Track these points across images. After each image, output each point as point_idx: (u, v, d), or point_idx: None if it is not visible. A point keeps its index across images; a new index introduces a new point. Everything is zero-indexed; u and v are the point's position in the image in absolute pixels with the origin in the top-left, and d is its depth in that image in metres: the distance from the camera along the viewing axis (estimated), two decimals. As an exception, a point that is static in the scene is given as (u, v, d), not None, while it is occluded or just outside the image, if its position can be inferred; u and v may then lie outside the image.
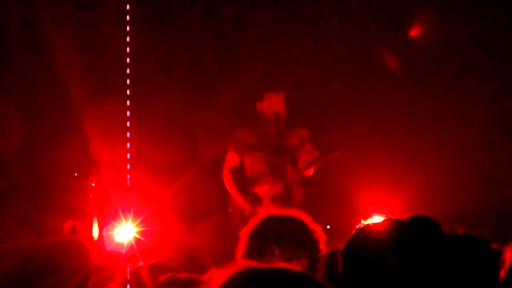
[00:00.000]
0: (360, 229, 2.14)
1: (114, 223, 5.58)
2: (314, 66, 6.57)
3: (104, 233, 5.60)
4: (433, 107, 6.65)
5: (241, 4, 6.93)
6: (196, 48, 6.83)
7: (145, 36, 6.49)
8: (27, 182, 6.16)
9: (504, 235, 2.33)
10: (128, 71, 6.06)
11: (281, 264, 1.61)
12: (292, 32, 6.75)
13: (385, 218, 2.16)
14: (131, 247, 5.33)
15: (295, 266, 1.61)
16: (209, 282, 1.64)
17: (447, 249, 2.14)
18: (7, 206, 5.99)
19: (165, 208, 6.12)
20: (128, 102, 6.03)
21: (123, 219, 5.54)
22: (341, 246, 2.16)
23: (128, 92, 6.03)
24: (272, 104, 6.13)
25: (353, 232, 2.15)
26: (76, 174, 6.27)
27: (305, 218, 2.83)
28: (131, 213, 5.58)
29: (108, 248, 5.53)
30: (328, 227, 4.74)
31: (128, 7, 5.97)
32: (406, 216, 2.24)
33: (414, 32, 6.80)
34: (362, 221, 2.17)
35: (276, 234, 2.70)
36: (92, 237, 5.55)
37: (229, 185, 6.25)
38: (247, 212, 6.00)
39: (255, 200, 6.11)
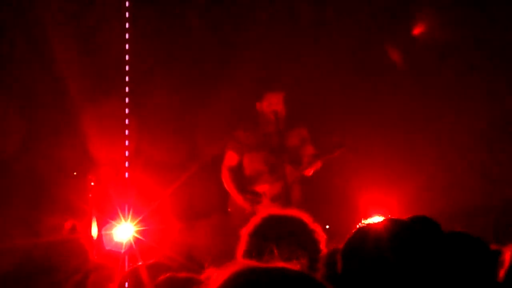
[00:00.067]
0: (360, 229, 2.14)
1: (113, 222, 5.58)
2: (314, 66, 6.56)
3: (103, 233, 5.59)
4: (433, 107, 6.64)
5: (241, 4, 6.92)
6: (196, 47, 6.82)
7: (144, 35, 6.48)
8: (26, 181, 6.15)
9: (504, 235, 2.33)
10: (127, 69, 6.07)
11: (281, 264, 1.60)
12: (292, 32, 6.74)
13: (385, 218, 2.15)
14: (130, 247, 5.33)
15: (295, 266, 1.60)
16: (209, 281, 1.63)
17: (446, 248, 2.13)
18: (6, 205, 5.98)
19: (164, 207, 6.11)
20: (127, 100, 6.04)
21: (122, 218, 5.54)
22: (341, 246, 2.15)
23: (127, 90, 6.03)
24: (272, 104, 6.13)
25: (353, 232, 2.14)
26: (75, 173, 6.26)
27: (306, 218, 2.83)
28: (130, 212, 5.58)
29: (107, 248, 5.53)
30: (328, 227, 4.73)
31: (127, 4, 5.97)
32: (406, 217, 2.24)
33: (413, 32, 6.80)
34: (362, 221, 2.16)
35: (276, 234, 2.70)
36: (91, 237, 5.55)
37: (229, 184, 6.26)
38: (246, 211, 5.99)
39: (255, 199, 6.11)
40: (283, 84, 6.29)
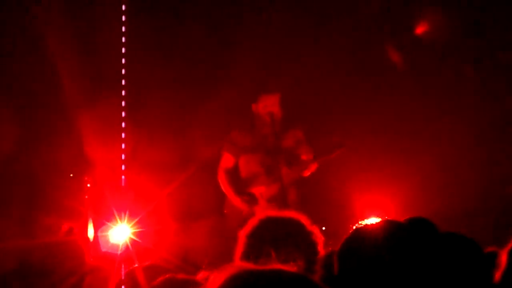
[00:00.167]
0: (357, 230, 2.14)
1: (109, 224, 5.57)
2: (311, 67, 6.56)
3: (99, 234, 5.58)
4: (432, 107, 6.65)
5: (238, 4, 6.92)
6: (192, 49, 6.82)
7: (141, 36, 6.48)
8: (22, 183, 6.14)
9: (504, 235, 2.33)
10: (123, 71, 6.06)
11: (279, 266, 1.60)
12: (289, 32, 6.74)
13: (382, 219, 2.16)
14: (126, 249, 5.32)
15: (292, 268, 1.60)
16: (206, 284, 1.63)
17: (441, 249, 2.13)
18: (2, 207, 5.97)
19: (160, 209, 6.11)
20: (123, 103, 6.03)
21: (118, 220, 5.53)
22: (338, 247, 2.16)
23: (123, 92, 6.03)
24: (268, 105, 6.13)
25: (349, 232, 2.15)
26: (71, 175, 6.25)
27: (304, 220, 2.83)
28: (127, 214, 5.57)
29: (103, 250, 5.52)
30: (324, 228, 4.72)
31: (123, 7, 5.97)
32: (403, 218, 2.24)
33: (412, 32, 6.81)
34: (359, 222, 2.17)
35: (274, 235, 2.70)
36: (87, 238, 5.54)
37: (225, 186, 6.25)
38: (243, 213, 5.99)
39: (251, 200, 6.11)
40: (279, 86, 6.29)
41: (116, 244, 5.46)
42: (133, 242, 5.42)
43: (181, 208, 6.52)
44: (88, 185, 5.88)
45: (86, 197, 5.82)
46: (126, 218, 5.53)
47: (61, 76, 6.07)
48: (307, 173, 6.17)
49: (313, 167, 6.15)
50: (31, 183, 6.11)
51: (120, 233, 5.50)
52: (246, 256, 2.64)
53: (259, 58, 6.56)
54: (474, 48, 6.56)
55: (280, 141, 6.11)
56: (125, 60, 6.08)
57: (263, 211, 3.20)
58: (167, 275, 2.57)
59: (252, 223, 2.80)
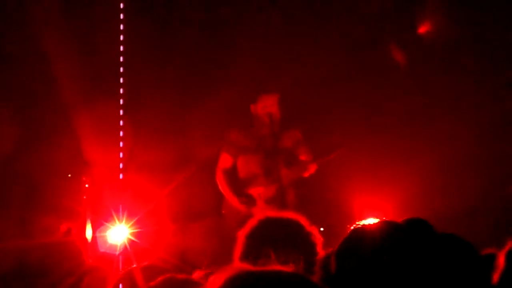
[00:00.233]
0: (354, 230, 2.15)
1: (108, 224, 5.57)
2: (310, 67, 6.56)
3: (98, 235, 5.58)
4: (431, 107, 6.65)
5: (236, 4, 6.92)
6: (191, 49, 6.81)
7: (139, 36, 6.47)
8: (20, 183, 6.13)
9: (504, 235, 2.33)
10: (121, 71, 6.06)
11: (278, 267, 1.61)
12: (287, 32, 6.74)
13: (380, 220, 2.16)
14: (124, 249, 5.32)
15: (291, 268, 1.60)
16: (206, 284, 1.64)
17: (438, 250, 2.14)
18: (0, 207, 5.96)
19: (158, 209, 6.11)
20: (121, 102, 6.03)
21: (116, 220, 5.53)
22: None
23: (121, 91, 6.03)
24: (267, 106, 6.13)
25: (347, 233, 2.15)
26: (69, 175, 6.25)
27: (303, 220, 2.83)
28: (125, 214, 5.57)
29: (101, 250, 5.52)
30: (322, 229, 4.73)
31: (121, 6, 5.96)
32: (401, 219, 2.25)
33: (411, 32, 6.81)
34: (357, 223, 2.17)
35: (273, 236, 2.70)
36: (86, 239, 5.54)
37: (223, 186, 6.24)
38: (241, 214, 5.99)
39: (250, 201, 6.11)
40: (278, 86, 6.29)
41: (114, 245, 5.46)
42: (131, 242, 5.41)
43: (179, 209, 6.52)
44: (86, 185, 5.88)
45: (84, 197, 5.82)
46: (124, 218, 5.54)
47: (59, 75, 6.07)
48: (306, 174, 6.17)
49: (313, 169, 6.15)
50: (29, 183, 6.10)
51: (118, 233, 5.50)
52: (245, 256, 2.64)
53: (258, 58, 6.56)
54: (474, 48, 6.56)
55: (279, 142, 6.11)
56: (123, 59, 6.08)
57: (261, 212, 3.20)
58: (167, 275, 2.57)
59: (251, 223, 2.81)
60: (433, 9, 6.72)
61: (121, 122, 5.96)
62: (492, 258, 2.32)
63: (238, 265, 2.02)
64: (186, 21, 6.81)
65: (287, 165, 6.15)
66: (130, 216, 5.58)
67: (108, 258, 5.36)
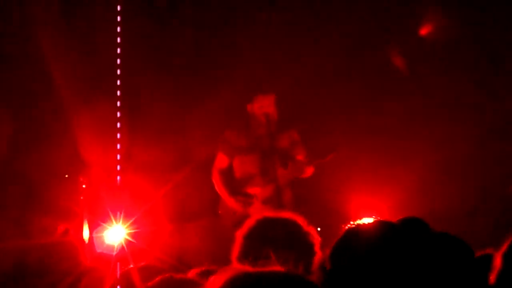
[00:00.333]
0: (349, 230, 2.16)
1: (105, 225, 5.56)
2: (308, 67, 6.56)
3: (95, 235, 5.57)
4: (431, 108, 6.65)
5: (235, 5, 6.91)
6: (188, 49, 6.81)
7: (136, 37, 6.47)
8: (17, 183, 6.13)
9: (503, 236, 2.34)
10: (118, 71, 6.05)
11: (276, 268, 1.61)
12: (285, 33, 6.74)
13: (374, 219, 2.17)
14: (121, 249, 5.31)
15: (290, 269, 1.61)
16: (206, 285, 1.64)
17: (433, 250, 2.15)
18: (-3, 207, 5.96)
19: (155, 210, 6.11)
20: (118, 103, 6.02)
21: (113, 220, 5.52)
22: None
23: (118, 92, 6.02)
24: (264, 106, 6.13)
25: (342, 232, 2.16)
26: (66, 175, 6.24)
27: (300, 220, 2.84)
28: (122, 214, 5.56)
29: (98, 250, 5.51)
30: (319, 229, 4.73)
31: (119, 7, 5.95)
32: (397, 219, 2.26)
33: (411, 33, 6.81)
34: (351, 222, 2.18)
35: (271, 236, 2.71)
36: (83, 239, 5.53)
37: (219, 187, 6.24)
38: (237, 214, 5.99)
39: (246, 201, 6.10)
40: (274, 86, 6.29)
41: (111, 245, 5.45)
42: (128, 242, 5.41)
43: (175, 209, 6.52)
44: (84, 186, 5.87)
45: (82, 198, 5.82)
46: (122, 219, 5.53)
47: (56, 76, 6.06)
48: (303, 174, 6.16)
49: (310, 171, 6.14)
50: (26, 184, 6.10)
51: (116, 234, 5.49)
52: (244, 256, 2.64)
53: (257, 58, 6.56)
54: (474, 48, 6.56)
55: (276, 142, 6.11)
56: (121, 60, 6.07)
57: (258, 212, 3.21)
58: (165, 275, 2.57)
59: (249, 223, 2.81)
60: (433, 9, 6.73)
61: (118, 123, 5.95)
62: (489, 258, 2.32)
63: (237, 265, 2.03)
64: (185, 22, 6.82)
65: (284, 165, 6.14)
66: (127, 216, 5.57)
67: (105, 258, 5.35)
